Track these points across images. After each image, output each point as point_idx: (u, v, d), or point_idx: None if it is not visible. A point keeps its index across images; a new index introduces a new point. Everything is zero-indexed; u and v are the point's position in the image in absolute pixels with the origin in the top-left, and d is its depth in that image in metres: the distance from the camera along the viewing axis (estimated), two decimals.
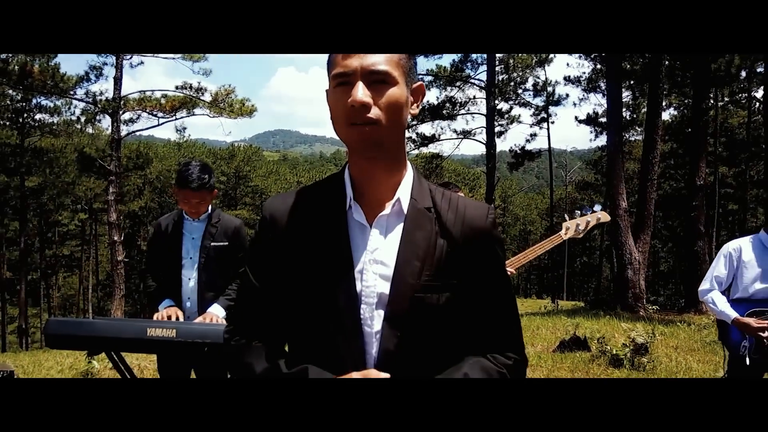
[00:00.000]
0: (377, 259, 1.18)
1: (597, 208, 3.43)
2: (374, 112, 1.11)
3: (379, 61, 1.12)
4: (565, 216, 3.48)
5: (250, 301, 1.26)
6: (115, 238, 18.31)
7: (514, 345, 1.25)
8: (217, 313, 3.14)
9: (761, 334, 3.30)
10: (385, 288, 1.17)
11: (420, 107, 1.25)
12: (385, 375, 1.10)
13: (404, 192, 1.22)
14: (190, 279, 3.24)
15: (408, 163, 1.26)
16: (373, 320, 1.17)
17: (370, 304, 1.17)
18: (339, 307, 1.16)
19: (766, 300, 3.42)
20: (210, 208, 3.31)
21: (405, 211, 1.21)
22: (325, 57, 1.23)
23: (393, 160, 1.21)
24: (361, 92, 1.10)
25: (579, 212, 3.42)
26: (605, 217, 3.36)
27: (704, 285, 3.65)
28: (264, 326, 1.24)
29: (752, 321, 3.35)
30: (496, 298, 1.24)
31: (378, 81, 1.12)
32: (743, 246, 3.54)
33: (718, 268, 3.60)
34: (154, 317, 3.06)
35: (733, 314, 3.42)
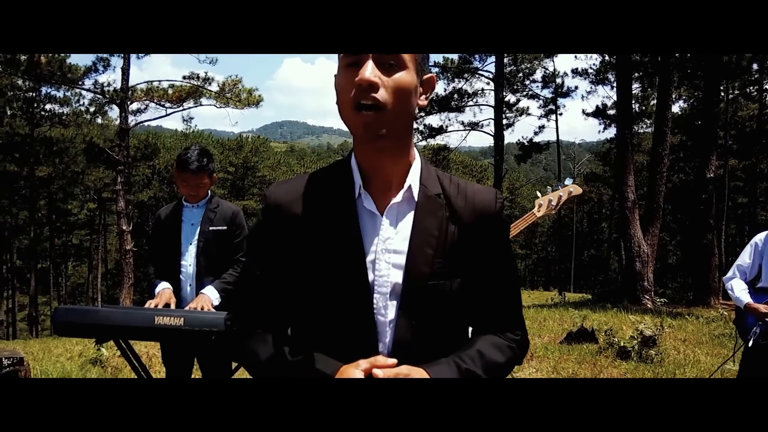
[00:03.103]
0: (389, 248, 1.17)
1: (568, 181, 3.42)
2: (381, 94, 1.09)
3: None
4: (538, 193, 3.47)
5: (252, 288, 1.25)
6: (124, 228, 18.42)
7: (518, 323, 1.30)
8: (210, 295, 3.15)
9: None
10: (398, 277, 1.16)
11: (429, 99, 1.23)
12: (392, 361, 1.09)
13: (414, 179, 1.21)
14: (189, 265, 3.26)
15: (415, 150, 1.25)
16: (387, 309, 1.16)
17: (383, 293, 1.16)
18: (351, 297, 1.15)
19: None
20: (209, 194, 3.33)
21: (416, 199, 1.19)
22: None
23: (399, 148, 1.19)
24: (369, 71, 1.08)
25: (551, 188, 3.41)
26: (577, 189, 3.36)
27: (729, 273, 3.77)
28: (266, 314, 1.23)
29: (762, 306, 3.46)
30: (504, 281, 1.27)
31: (388, 63, 1.10)
32: None
33: (743, 257, 3.70)
34: (149, 303, 3.04)
35: (746, 300, 3.55)
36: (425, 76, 1.19)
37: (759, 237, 3.66)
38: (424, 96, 1.20)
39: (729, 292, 3.69)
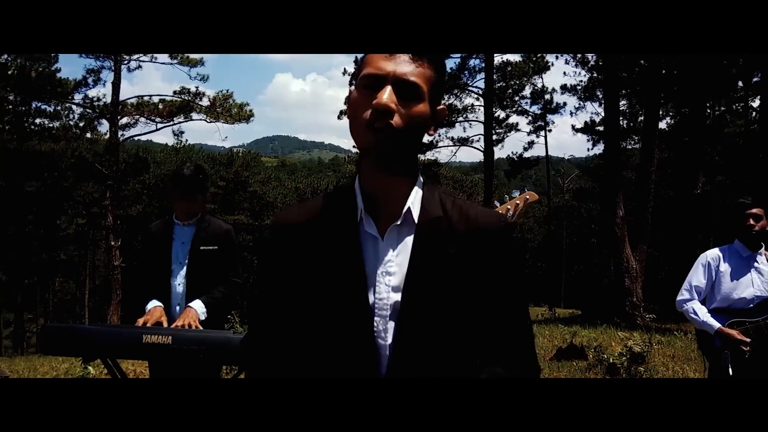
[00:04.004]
0: (389, 271, 1.17)
1: (525, 189, 3.44)
2: (396, 120, 1.11)
3: (413, 72, 1.12)
4: (495, 203, 3.47)
5: (264, 311, 1.27)
6: (112, 243, 18.30)
7: (526, 356, 1.22)
8: (197, 308, 3.13)
9: (743, 347, 3.31)
10: (398, 300, 1.16)
11: (437, 130, 1.24)
12: None
13: (414, 202, 1.21)
14: (179, 284, 3.24)
15: (419, 173, 1.26)
16: (387, 332, 1.16)
17: (383, 316, 1.16)
18: (352, 320, 1.16)
19: (744, 310, 3.42)
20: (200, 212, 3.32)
21: (416, 221, 1.20)
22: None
23: (405, 173, 1.21)
24: (387, 96, 1.09)
25: (508, 197, 3.43)
26: (533, 196, 3.37)
27: (683, 295, 3.62)
28: (278, 336, 1.24)
29: (735, 332, 3.35)
30: (510, 308, 1.21)
31: (406, 92, 1.12)
32: (720, 256, 3.54)
33: (697, 277, 3.57)
34: (139, 321, 3.03)
35: (716, 325, 3.42)
36: (438, 107, 1.20)
37: (709, 256, 3.58)
38: (433, 127, 1.21)
39: (691, 315, 3.53)
